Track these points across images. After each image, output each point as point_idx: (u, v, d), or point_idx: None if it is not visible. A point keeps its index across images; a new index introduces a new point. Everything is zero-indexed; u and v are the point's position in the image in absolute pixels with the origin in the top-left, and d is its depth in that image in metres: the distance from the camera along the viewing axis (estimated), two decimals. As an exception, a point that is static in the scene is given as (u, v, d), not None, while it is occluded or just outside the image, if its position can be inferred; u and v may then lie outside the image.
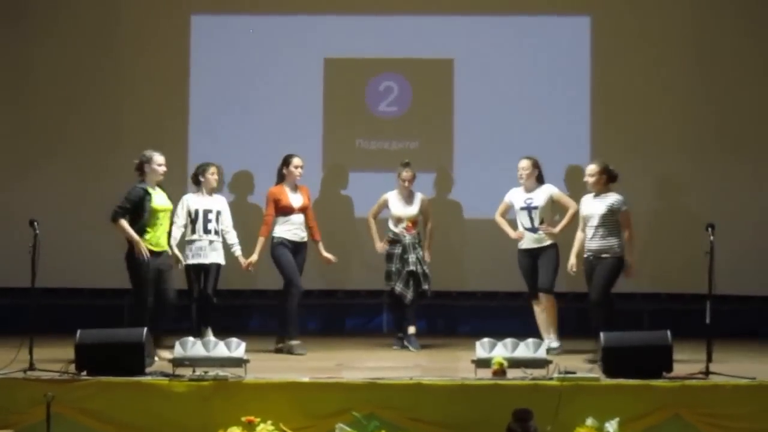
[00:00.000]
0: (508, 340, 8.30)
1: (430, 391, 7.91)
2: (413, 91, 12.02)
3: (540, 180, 10.24)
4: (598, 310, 9.51)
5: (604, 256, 9.57)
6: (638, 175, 11.69)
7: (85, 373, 8.07)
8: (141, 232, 9.35)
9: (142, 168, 9.54)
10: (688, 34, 11.83)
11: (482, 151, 11.80)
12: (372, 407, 7.78)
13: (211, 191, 10.33)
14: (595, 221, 9.62)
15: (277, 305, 10.44)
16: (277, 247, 10.26)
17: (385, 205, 10.70)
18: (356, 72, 12.03)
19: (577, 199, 10.02)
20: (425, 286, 10.52)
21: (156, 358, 8.61)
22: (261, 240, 10.29)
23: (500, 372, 8.07)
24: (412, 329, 10.63)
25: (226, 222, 10.32)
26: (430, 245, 10.67)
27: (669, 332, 8.23)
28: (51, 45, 11.99)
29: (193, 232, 10.18)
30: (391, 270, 10.55)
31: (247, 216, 11.19)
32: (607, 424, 7.65)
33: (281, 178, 10.40)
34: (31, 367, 8.19)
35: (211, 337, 9.28)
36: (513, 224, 10.33)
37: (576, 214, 9.96)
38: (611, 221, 9.60)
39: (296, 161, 10.36)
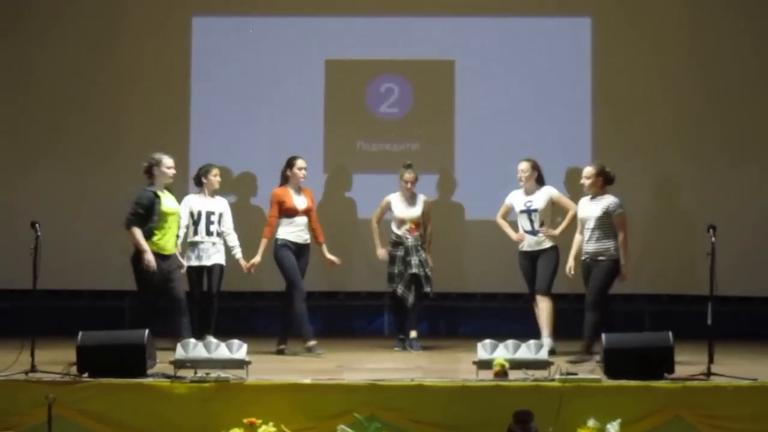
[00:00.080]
0: (510, 342, 8.30)
1: (432, 393, 7.90)
2: (414, 92, 12.03)
3: (540, 182, 10.23)
4: (591, 313, 9.50)
5: (600, 258, 9.56)
6: (639, 176, 11.71)
7: (86, 374, 8.06)
8: (150, 235, 9.35)
9: (150, 171, 9.53)
10: (689, 34, 11.84)
11: (483, 153, 11.81)
12: (373, 409, 7.78)
13: (213, 193, 10.33)
14: (591, 224, 9.60)
15: (280, 307, 10.44)
16: (280, 249, 10.26)
17: (387, 207, 10.70)
18: (357, 73, 12.04)
19: (577, 201, 10.01)
20: (427, 289, 10.52)
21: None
22: (264, 241, 10.29)
23: (502, 373, 8.06)
24: (413, 333, 10.64)
25: (227, 224, 10.33)
26: (430, 249, 10.67)
27: (670, 333, 8.22)
28: (52, 46, 12.00)
29: (195, 233, 10.19)
30: (393, 272, 10.56)
31: (247, 217, 11.19)
32: (608, 426, 7.64)
33: (285, 180, 10.40)
34: (33, 369, 8.18)
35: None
36: (515, 226, 10.33)
37: (576, 216, 9.96)
38: (607, 224, 9.57)
39: (300, 163, 10.36)
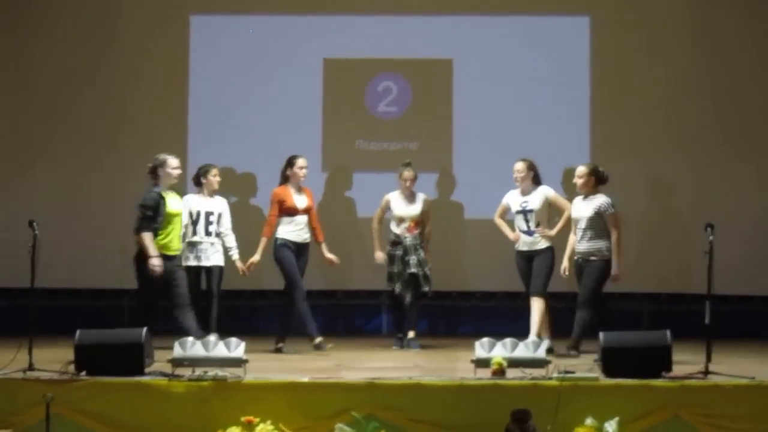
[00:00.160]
0: (508, 340, 8.29)
1: (430, 392, 7.89)
2: (412, 91, 12.03)
3: (537, 181, 10.20)
4: (581, 312, 9.49)
5: (592, 258, 9.55)
6: (638, 174, 11.73)
7: (84, 373, 8.05)
8: (154, 235, 9.34)
9: (155, 172, 9.51)
10: (688, 33, 11.84)
11: (481, 152, 11.81)
12: (371, 407, 7.77)
13: (212, 193, 10.33)
14: (582, 223, 9.60)
15: (280, 306, 10.44)
16: (280, 248, 10.25)
17: (387, 206, 10.69)
18: (355, 72, 12.04)
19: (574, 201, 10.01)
20: (426, 288, 10.52)
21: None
22: (263, 240, 10.29)
23: (499, 372, 8.05)
24: (411, 333, 10.64)
25: (226, 224, 10.33)
26: (428, 248, 10.66)
27: (669, 332, 8.22)
28: (50, 45, 11.99)
29: (194, 233, 10.19)
30: (393, 272, 10.56)
31: (245, 217, 11.18)
32: (606, 424, 7.63)
33: (285, 179, 10.39)
34: (31, 368, 8.17)
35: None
36: (513, 225, 10.32)
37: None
38: (599, 224, 9.56)
39: (301, 162, 10.35)
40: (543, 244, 10.06)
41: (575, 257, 9.69)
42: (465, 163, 11.93)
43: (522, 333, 9.64)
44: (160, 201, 9.37)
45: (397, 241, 10.59)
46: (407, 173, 10.62)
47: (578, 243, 9.63)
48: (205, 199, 10.28)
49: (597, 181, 9.68)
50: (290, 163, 10.37)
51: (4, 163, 11.98)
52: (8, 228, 11.19)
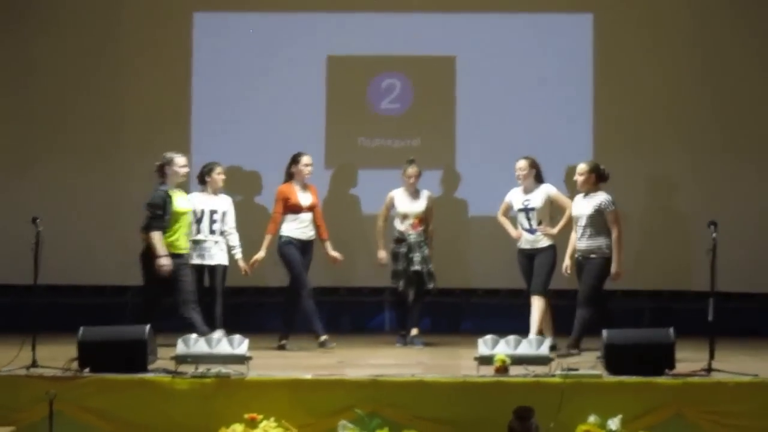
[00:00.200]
0: (511, 337, 8.29)
1: (433, 389, 7.90)
2: (415, 88, 12.03)
3: (539, 179, 10.18)
4: (582, 310, 9.47)
5: (592, 256, 9.52)
6: (641, 172, 11.73)
7: (87, 370, 8.06)
8: (162, 233, 9.33)
9: (162, 170, 9.48)
10: (691, 31, 11.83)
11: (484, 149, 11.80)
12: (374, 404, 7.77)
13: (217, 191, 10.33)
14: (582, 221, 9.57)
15: (284, 303, 10.44)
16: (286, 246, 10.25)
17: (391, 203, 10.69)
18: (358, 70, 12.04)
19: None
20: (430, 285, 10.52)
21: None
22: (268, 237, 10.28)
23: (502, 369, 8.06)
24: (414, 331, 10.64)
25: (230, 223, 10.34)
26: (431, 246, 10.66)
27: (671, 330, 8.23)
28: (52, 42, 11.99)
29: (198, 232, 10.18)
30: (398, 269, 10.56)
31: (247, 214, 11.17)
32: (609, 422, 7.64)
33: (289, 177, 10.39)
34: (34, 365, 8.18)
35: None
36: (515, 223, 10.31)
37: None
38: (599, 221, 9.52)
39: (306, 159, 10.35)
40: (545, 243, 10.05)
41: (576, 255, 9.68)
42: (467, 161, 11.92)
43: (525, 330, 9.64)
44: (167, 199, 9.34)
45: (401, 239, 10.59)
46: (411, 170, 10.62)
47: (578, 241, 9.62)
48: (209, 197, 10.28)
49: (598, 178, 9.65)
50: (295, 160, 10.37)
51: (6, 160, 11.98)
52: (11, 225, 11.19)
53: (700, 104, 11.79)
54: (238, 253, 10.33)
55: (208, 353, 8.18)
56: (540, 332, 9.78)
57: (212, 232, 10.23)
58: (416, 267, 10.47)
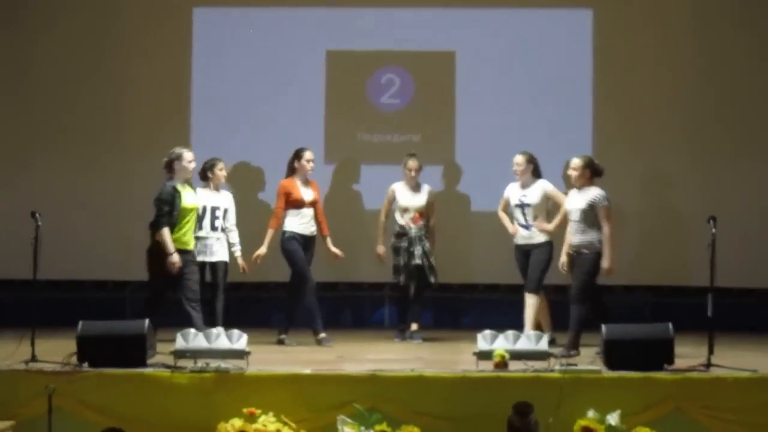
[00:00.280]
0: (510, 332, 8.30)
1: (432, 384, 7.91)
2: (415, 83, 12.02)
3: (537, 174, 10.16)
4: (576, 307, 9.41)
5: (584, 251, 9.46)
6: (640, 168, 11.73)
7: (86, 365, 8.07)
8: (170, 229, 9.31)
9: (171, 166, 9.44)
10: (691, 27, 11.82)
11: (483, 144, 11.79)
12: (373, 400, 7.78)
13: (218, 187, 10.31)
14: (575, 216, 9.51)
15: (285, 298, 10.43)
16: (289, 241, 10.25)
17: (393, 197, 10.68)
18: (358, 64, 12.03)
19: (574, 195, 9.98)
20: (431, 279, 10.52)
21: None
22: (270, 232, 10.28)
23: (502, 364, 8.06)
24: (414, 326, 10.64)
25: (231, 220, 10.33)
26: (434, 241, 10.66)
27: (671, 325, 8.22)
28: (52, 38, 11.98)
29: (200, 228, 10.14)
30: (399, 264, 10.55)
31: (247, 210, 11.16)
32: (608, 417, 7.64)
33: (291, 172, 10.38)
34: (33, 359, 8.19)
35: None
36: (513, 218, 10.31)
37: None
38: (591, 216, 9.44)
39: (308, 155, 10.35)
40: (541, 238, 10.02)
41: (569, 250, 9.63)
42: (467, 156, 11.92)
43: (524, 325, 9.64)
44: (175, 195, 9.31)
45: (402, 233, 10.58)
46: (412, 163, 10.61)
47: (571, 236, 9.56)
48: (211, 193, 10.27)
49: (592, 173, 9.58)
50: (297, 155, 10.36)
51: (7, 155, 11.97)
52: (11, 220, 11.19)
53: (699, 100, 11.78)
54: (237, 251, 10.33)
55: (207, 348, 8.19)
56: (538, 327, 9.77)
57: (214, 228, 10.22)
58: (417, 261, 10.46)
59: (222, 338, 8.23)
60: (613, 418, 7.64)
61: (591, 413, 7.66)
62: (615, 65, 11.87)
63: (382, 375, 7.97)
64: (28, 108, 11.98)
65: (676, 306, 11.49)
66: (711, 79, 11.78)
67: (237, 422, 7.69)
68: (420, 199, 10.62)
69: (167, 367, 8.09)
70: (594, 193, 9.47)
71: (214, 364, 8.02)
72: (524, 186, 10.12)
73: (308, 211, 10.32)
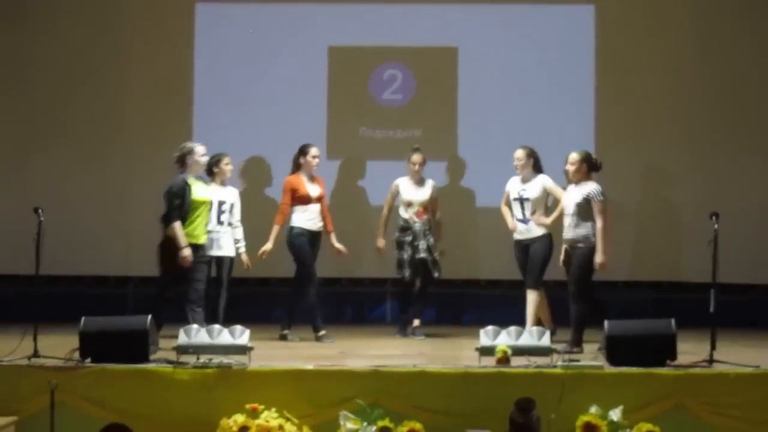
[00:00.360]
0: (512, 328, 8.30)
1: (434, 380, 7.91)
2: (417, 79, 12.01)
3: (538, 169, 10.13)
4: (575, 305, 9.37)
5: (579, 245, 9.43)
6: (642, 163, 11.73)
7: (89, 360, 8.07)
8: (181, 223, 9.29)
9: (183, 160, 9.46)
10: (693, 23, 11.81)
11: (486, 140, 11.79)
12: (376, 395, 7.78)
13: (224, 182, 10.30)
14: (570, 210, 9.50)
15: (289, 294, 10.42)
16: (297, 237, 10.24)
17: (397, 191, 10.67)
18: (360, 60, 12.02)
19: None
20: (435, 274, 10.51)
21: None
22: (276, 228, 10.28)
23: (504, 360, 8.07)
24: (416, 322, 10.63)
25: (236, 216, 10.31)
26: (440, 235, 10.65)
27: (673, 321, 8.22)
28: (54, 34, 11.97)
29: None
30: (402, 258, 10.53)
31: (250, 205, 11.14)
32: (610, 413, 7.65)
33: (297, 168, 10.38)
34: (35, 355, 8.18)
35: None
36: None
37: None
38: (587, 210, 9.41)
39: (314, 151, 10.35)
40: (539, 232, 9.97)
41: (564, 245, 9.62)
42: (469, 152, 11.91)
43: (525, 323, 9.63)
44: (186, 188, 9.32)
45: (406, 227, 10.57)
46: (416, 157, 10.60)
47: (566, 229, 9.55)
48: (217, 188, 10.24)
49: (589, 168, 9.58)
50: (303, 151, 10.36)
51: (9, 150, 11.97)
52: (13, 215, 11.20)
53: (701, 96, 11.77)
54: (242, 247, 10.32)
55: (209, 343, 8.19)
56: (538, 323, 9.76)
57: (220, 222, 10.19)
58: (422, 255, 10.45)
59: (224, 334, 8.23)
60: (615, 414, 7.65)
61: (593, 409, 7.67)
62: (617, 61, 11.86)
63: (385, 371, 7.97)
64: (30, 104, 11.98)
65: (677, 302, 11.48)
66: (712, 75, 11.78)
67: (239, 418, 7.70)
68: (424, 194, 10.62)
69: (169, 362, 8.09)
70: (590, 187, 9.47)
71: (217, 359, 8.02)
72: (524, 180, 10.11)
73: (315, 207, 10.32)
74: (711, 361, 8.19)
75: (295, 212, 10.28)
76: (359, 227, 11.57)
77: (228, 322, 8.82)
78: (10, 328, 9.04)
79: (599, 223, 9.37)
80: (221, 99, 11.94)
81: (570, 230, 9.48)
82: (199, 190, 9.47)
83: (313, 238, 10.33)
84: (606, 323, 8.27)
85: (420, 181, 10.64)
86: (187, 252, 9.20)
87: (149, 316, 8.28)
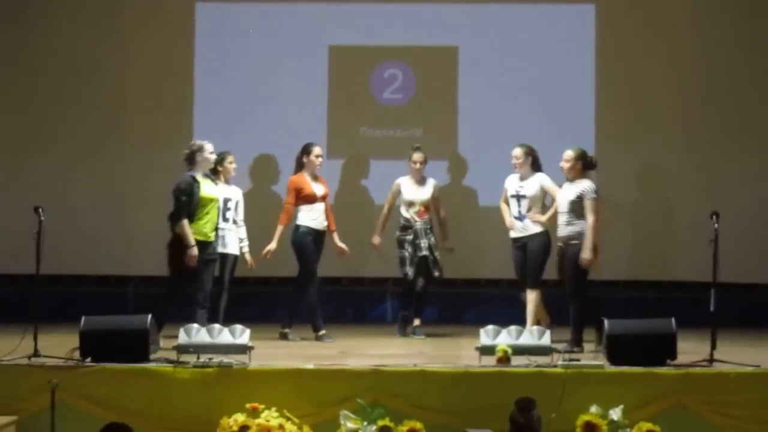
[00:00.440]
0: (513, 328, 8.31)
1: (434, 379, 7.91)
2: (417, 78, 12.01)
3: (536, 167, 10.12)
4: (573, 304, 9.35)
5: (573, 243, 9.40)
6: (642, 162, 11.73)
7: (89, 359, 8.07)
8: (188, 221, 9.29)
9: (193, 157, 9.46)
10: (692, 22, 11.82)
11: (486, 139, 11.79)
12: (376, 394, 7.78)
13: (229, 180, 10.29)
14: (564, 207, 9.50)
15: (290, 293, 10.42)
16: (304, 236, 10.23)
17: (398, 191, 10.66)
18: (361, 59, 12.02)
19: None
20: (436, 273, 10.50)
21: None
22: (280, 228, 10.26)
23: (504, 359, 8.07)
24: (417, 321, 10.62)
25: (240, 215, 10.30)
26: (448, 233, 10.65)
27: (673, 320, 8.23)
28: (55, 34, 11.97)
29: None
30: (404, 256, 10.51)
31: (250, 204, 11.14)
32: (611, 412, 7.65)
33: (300, 167, 10.37)
34: (36, 354, 8.18)
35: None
36: (513, 210, 10.29)
37: None
38: (580, 208, 9.39)
39: (317, 150, 10.34)
40: (536, 229, 9.95)
41: (558, 242, 9.62)
42: (469, 151, 11.91)
43: (525, 322, 9.63)
44: (194, 185, 9.32)
45: (407, 226, 10.56)
46: (417, 155, 10.58)
47: (560, 227, 9.55)
48: (222, 186, 10.22)
49: (584, 166, 9.58)
50: (306, 150, 10.35)
51: (9, 150, 11.97)
52: (13, 215, 11.19)
53: (701, 96, 11.78)
54: (245, 246, 10.30)
55: (209, 343, 8.19)
56: (536, 321, 9.76)
57: (225, 219, 10.16)
58: (424, 252, 10.44)
59: (225, 333, 8.23)
60: (615, 413, 7.65)
61: (593, 408, 7.67)
62: (617, 60, 11.86)
63: (385, 370, 7.97)
64: (30, 104, 11.97)
65: (677, 301, 11.48)
66: (712, 75, 11.78)
67: (239, 417, 7.70)
68: (425, 193, 10.61)
69: (170, 362, 8.10)
70: (584, 185, 9.46)
71: (217, 359, 8.02)
72: (522, 178, 10.09)
73: (320, 206, 10.32)
74: (711, 360, 8.19)
75: (300, 211, 10.27)
76: (359, 227, 11.53)
77: (230, 321, 8.81)
78: (10, 328, 9.04)
79: (590, 220, 9.34)
80: (221, 99, 11.94)
81: (565, 227, 9.48)
82: (208, 188, 9.48)
83: (319, 237, 10.33)
84: (606, 322, 8.27)
85: (421, 181, 10.64)
86: (194, 251, 9.20)
87: (149, 316, 8.27)
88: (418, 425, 7.66)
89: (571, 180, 9.54)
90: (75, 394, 7.83)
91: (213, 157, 9.57)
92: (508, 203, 10.20)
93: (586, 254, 9.30)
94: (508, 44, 11.93)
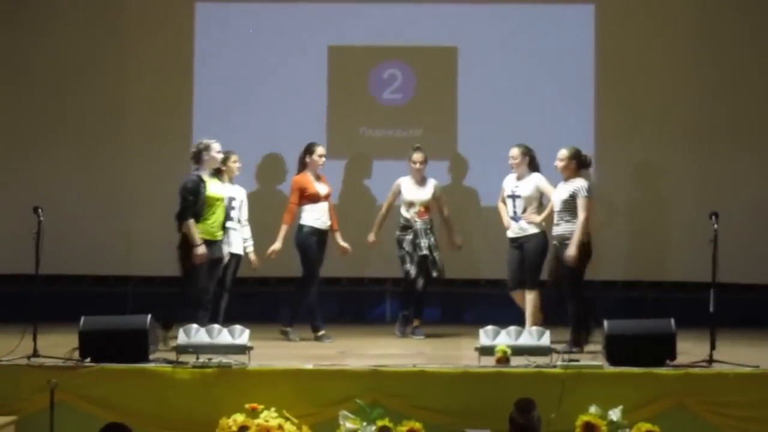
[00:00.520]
0: (512, 328, 8.31)
1: (434, 379, 7.91)
2: (417, 78, 12.01)
3: (534, 168, 10.11)
4: (571, 304, 9.32)
5: (567, 242, 9.41)
6: (642, 162, 11.72)
7: (88, 360, 8.08)
8: (195, 220, 9.28)
9: (199, 156, 9.45)
10: (693, 21, 11.81)
11: (485, 139, 11.77)
12: (375, 395, 7.79)
13: (233, 179, 10.27)
14: (558, 206, 9.48)
15: (292, 293, 10.41)
16: (308, 236, 10.23)
17: (398, 191, 10.65)
18: (360, 60, 12.02)
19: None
20: (434, 273, 10.50)
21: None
22: (284, 228, 10.25)
23: (504, 360, 8.07)
24: (416, 322, 10.61)
25: (244, 215, 10.28)
26: (454, 231, 10.65)
27: (672, 320, 8.23)
28: (54, 33, 11.96)
29: None
30: (403, 255, 10.50)
31: (250, 204, 11.14)
32: (610, 412, 7.65)
33: (303, 167, 10.37)
34: (35, 354, 8.18)
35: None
36: (510, 210, 10.29)
37: None
38: (573, 207, 9.38)
39: (320, 150, 10.34)
40: (532, 229, 9.93)
41: (552, 241, 9.61)
42: (469, 151, 11.91)
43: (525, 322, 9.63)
44: (200, 184, 9.31)
45: (406, 225, 10.55)
46: (417, 155, 10.57)
47: (554, 226, 9.54)
48: (226, 185, 10.20)
49: (578, 165, 9.57)
50: (309, 150, 10.34)
51: (7, 147, 11.96)
52: (13, 215, 11.19)
53: (701, 96, 11.77)
54: (249, 246, 10.28)
55: (209, 343, 8.20)
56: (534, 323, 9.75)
57: (230, 218, 10.12)
58: (424, 251, 10.44)
59: (224, 333, 8.24)
60: (614, 414, 7.65)
61: (593, 409, 7.67)
62: (617, 60, 11.86)
63: (384, 370, 7.98)
64: (29, 103, 11.97)
65: (677, 302, 11.48)
66: (712, 75, 11.77)
67: (239, 417, 7.70)
68: (425, 194, 10.60)
69: (169, 362, 8.10)
70: (578, 184, 9.44)
71: (216, 359, 8.02)
72: (519, 178, 10.09)
73: (323, 206, 10.32)
74: (711, 360, 8.20)
75: (304, 211, 10.27)
76: (359, 227, 11.52)
77: (229, 321, 8.81)
78: (9, 328, 9.04)
79: (580, 217, 9.31)
80: (221, 99, 11.93)
81: (558, 226, 9.48)
82: (214, 187, 9.47)
83: (322, 236, 10.32)
84: (606, 323, 8.28)
85: (421, 181, 10.63)
86: (201, 250, 9.19)
87: (149, 316, 8.28)
88: (418, 425, 7.66)
89: (566, 179, 9.54)
90: (74, 394, 7.83)
91: (220, 156, 9.57)
92: (504, 203, 10.21)
93: (571, 251, 9.27)
94: (508, 44, 11.92)
